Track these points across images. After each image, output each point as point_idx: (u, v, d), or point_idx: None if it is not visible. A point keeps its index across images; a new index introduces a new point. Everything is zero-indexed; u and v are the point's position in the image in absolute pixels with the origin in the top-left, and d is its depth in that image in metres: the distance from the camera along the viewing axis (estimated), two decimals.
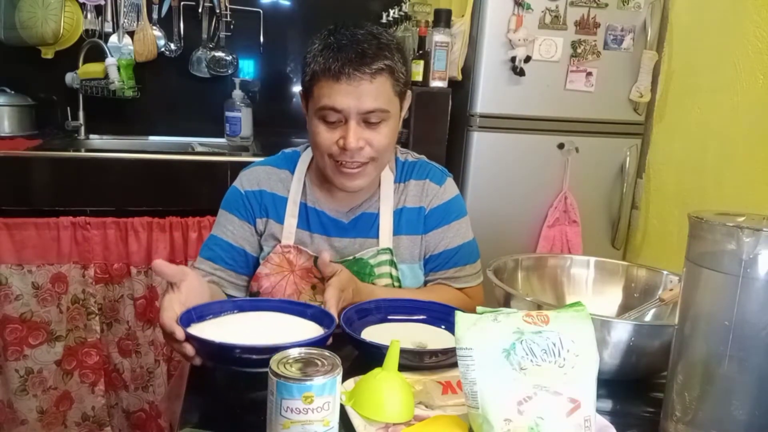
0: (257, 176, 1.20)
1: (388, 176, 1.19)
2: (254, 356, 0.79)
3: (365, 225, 1.18)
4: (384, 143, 1.07)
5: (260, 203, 1.18)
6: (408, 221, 1.19)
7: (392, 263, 1.17)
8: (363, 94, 1.02)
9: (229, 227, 1.18)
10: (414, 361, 0.87)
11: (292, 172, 1.20)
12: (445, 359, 0.88)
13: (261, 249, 1.19)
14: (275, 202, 1.18)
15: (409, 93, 1.13)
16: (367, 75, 1.01)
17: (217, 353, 0.82)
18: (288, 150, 1.25)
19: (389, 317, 1.04)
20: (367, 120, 1.05)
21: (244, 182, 1.20)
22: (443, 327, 1.01)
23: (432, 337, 0.97)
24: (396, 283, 1.17)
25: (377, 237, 1.17)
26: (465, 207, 1.25)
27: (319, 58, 1.03)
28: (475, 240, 1.25)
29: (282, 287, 1.16)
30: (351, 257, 1.15)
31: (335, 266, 1.02)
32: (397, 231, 1.18)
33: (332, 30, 1.06)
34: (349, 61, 1.01)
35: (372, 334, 0.97)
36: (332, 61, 1.01)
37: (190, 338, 0.82)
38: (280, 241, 1.16)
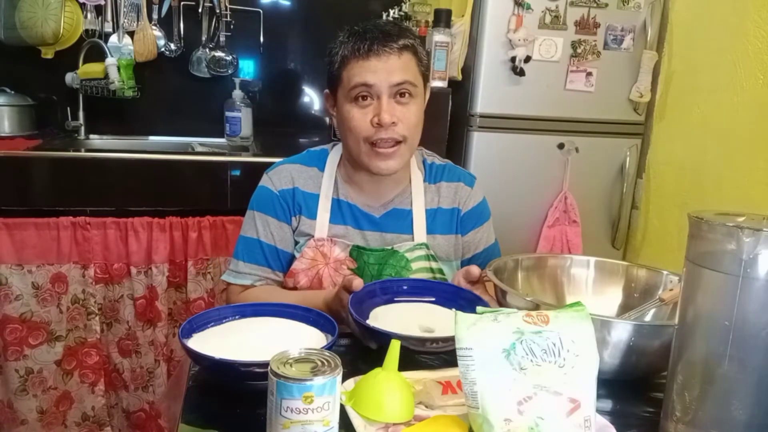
0: (288, 174, 1.21)
1: (417, 175, 1.23)
2: (257, 370, 0.79)
3: (397, 220, 1.21)
4: (413, 121, 1.12)
5: (294, 201, 1.20)
6: (442, 222, 1.23)
7: (429, 258, 1.19)
8: (392, 68, 1.08)
9: (271, 229, 1.19)
10: (417, 346, 0.87)
11: (321, 170, 1.22)
12: (445, 346, 0.87)
13: (296, 244, 1.21)
14: (306, 199, 1.20)
15: (429, 84, 1.18)
16: (395, 50, 1.08)
17: (218, 368, 0.83)
18: (315, 149, 1.27)
19: (396, 299, 1.02)
20: (398, 93, 1.09)
21: (275, 182, 1.21)
22: (452, 308, 0.99)
23: (440, 319, 0.96)
24: (438, 275, 1.20)
25: (411, 233, 1.20)
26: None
27: (347, 44, 1.09)
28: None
29: (318, 281, 1.18)
30: (390, 248, 1.17)
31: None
32: (431, 230, 1.21)
33: (354, 25, 1.12)
34: (376, 39, 1.07)
35: (379, 315, 0.96)
36: (360, 42, 1.08)
37: (189, 353, 0.83)
38: (313, 236, 1.18)
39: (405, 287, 1.05)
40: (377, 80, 1.07)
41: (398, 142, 1.11)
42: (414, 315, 0.97)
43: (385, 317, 0.95)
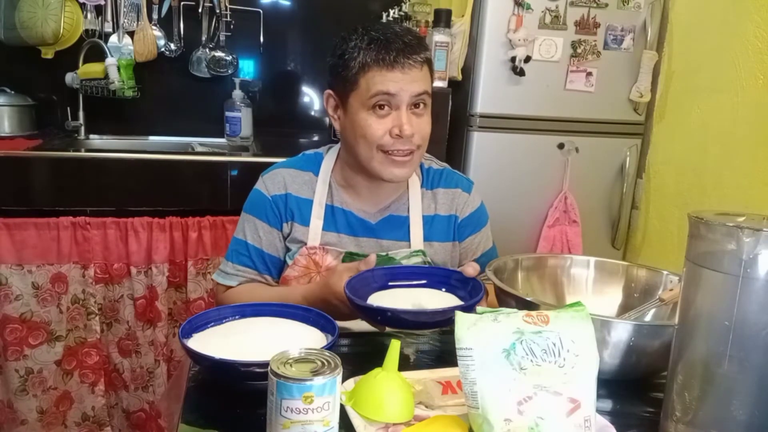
0: (282, 179, 1.20)
1: (414, 180, 1.22)
2: (257, 370, 0.79)
3: (394, 227, 1.20)
4: (428, 131, 1.14)
5: (286, 207, 1.19)
6: (440, 229, 1.22)
7: (427, 264, 1.18)
8: (414, 79, 1.09)
9: (260, 233, 1.19)
10: (414, 318, 0.92)
11: (316, 174, 1.21)
12: (441, 317, 0.91)
13: (287, 251, 1.20)
14: (300, 205, 1.19)
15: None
16: (418, 63, 1.09)
17: (218, 368, 0.83)
18: (309, 152, 1.26)
19: (390, 284, 1.05)
20: (416, 104, 1.10)
21: (269, 186, 1.20)
22: (444, 289, 1.04)
23: (433, 299, 0.99)
24: None
25: (408, 240, 1.19)
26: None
27: (369, 51, 1.08)
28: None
29: None
30: (384, 254, 1.16)
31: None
32: (428, 237, 1.21)
33: (366, 28, 1.11)
34: (401, 50, 1.07)
35: (377, 300, 0.98)
36: (384, 52, 1.07)
37: (189, 353, 0.83)
38: (305, 243, 1.17)
39: (396, 274, 1.07)
40: (400, 89, 1.07)
41: (413, 151, 1.12)
42: (407, 297, 0.99)
43: (382, 302, 0.97)
